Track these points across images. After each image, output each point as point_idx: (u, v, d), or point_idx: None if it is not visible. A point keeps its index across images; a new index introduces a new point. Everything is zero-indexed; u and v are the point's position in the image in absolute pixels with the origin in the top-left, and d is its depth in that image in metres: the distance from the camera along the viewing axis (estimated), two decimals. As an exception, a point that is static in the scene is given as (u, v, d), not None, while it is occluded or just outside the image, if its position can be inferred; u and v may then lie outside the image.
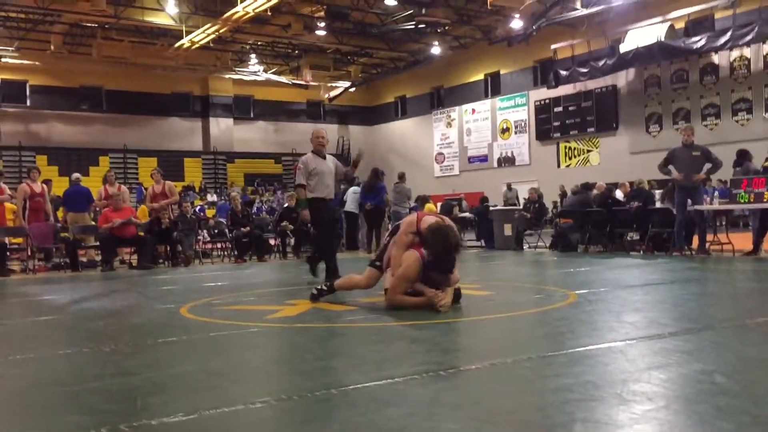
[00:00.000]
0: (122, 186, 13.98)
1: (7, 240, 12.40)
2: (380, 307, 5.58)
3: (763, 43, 22.36)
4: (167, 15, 26.23)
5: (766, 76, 22.75)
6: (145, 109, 33.06)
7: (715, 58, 23.90)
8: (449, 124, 34.95)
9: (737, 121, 23.31)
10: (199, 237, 14.62)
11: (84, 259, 12.94)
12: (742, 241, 11.07)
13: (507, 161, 31.80)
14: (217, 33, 26.30)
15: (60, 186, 17.86)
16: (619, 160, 25.86)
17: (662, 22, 24.01)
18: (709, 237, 10.91)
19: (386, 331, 4.78)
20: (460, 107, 34.13)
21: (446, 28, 29.40)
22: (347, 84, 36.59)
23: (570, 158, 29.18)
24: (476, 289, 6.85)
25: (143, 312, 6.12)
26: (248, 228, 13.60)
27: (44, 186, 12.83)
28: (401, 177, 15.39)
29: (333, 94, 37.29)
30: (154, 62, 30.50)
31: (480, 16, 28.04)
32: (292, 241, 14.41)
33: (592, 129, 28.03)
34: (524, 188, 23.62)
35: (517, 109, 31.39)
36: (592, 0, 24.22)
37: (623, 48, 24.79)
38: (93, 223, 13.08)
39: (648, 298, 5.94)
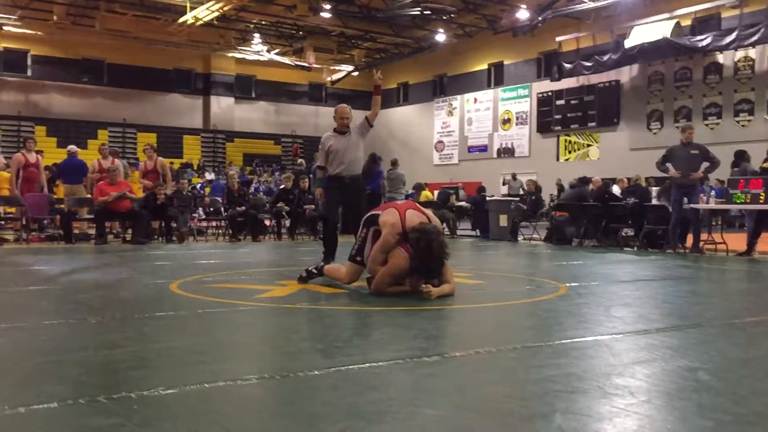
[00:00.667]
0: (116, 160, 13.88)
1: (1, 209, 12.37)
2: (369, 292, 5.56)
3: (769, 44, 22.28)
4: (171, -10, 26.07)
5: (769, 77, 22.69)
6: (145, 84, 32.90)
7: (720, 58, 23.82)
8: (450, 113, 34.84)
9: (738, 122, 23.27)
10: (194, 214, 14.59)
11: (77, 231, 12.92)
12: (737, 241, 11.07)
13: (506, 152, 31.74)
14: (221, 10, 26.11)
15: (58, 158, 17.81)
16: (619, 155, 25.82)
17: (669, 19, 23.91)
18: (704, 236, 10.92)
19: (373, 316, 4.77)
20: (462, 96, 34.01)
21: (451, 15, 29.23)
22: (350, 68, 36.42)
23: (570, 152, 29.13)
24: (467, 278, 6.85)
25: (133, 286, 6.10)
26: (244, 207, 13.57)
27: (38, 156, 12.78)
28: (394, 163, 15.35)
29: (336, 77, 37.12)
30: (157, 37, 30.31)
31: (486, 4, 27.88)
32: (288, 222, 14.40)
33: (593, 123, 27.96)
34: (523, 180, 23.63)
35: (519, 100, 31.29)
36: (599, -7, 24.11)
37: (628, 43, 24.69)
38: (88, 195, 13.04)
39: (638, 294, 5.94)
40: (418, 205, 5.98)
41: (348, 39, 33.74)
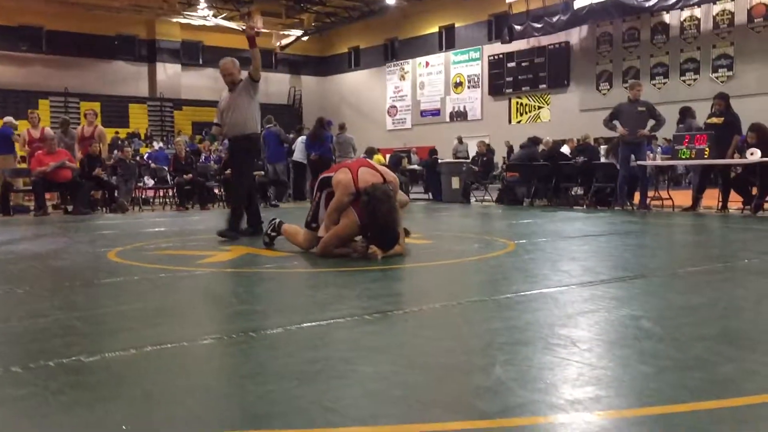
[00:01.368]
0: (46, 128, 13.22)
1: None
2: (314, 254, 5.44)
3: (713, 3, 22.56)
4: (110, -48, 25.08)
5: (714, 36, 23.03)
6: (87, 51, 31.77)
7: (666, 18, 24.07)
8: (402, 77, 34.59)
9: (684, 81, 23.62)
10: (140, 183, 14.20)
11: (13, 203, 12.47)
12: (683, 197, 11.25)
13: (459, 116, 31.72)
14: (163, -27, 25.27)
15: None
16: (570, 117, 26.03)
17: (616, -22, 24.00)
18: (651, 193, 11.06)
19: (317, 277, 4.66)
20: (414, 60, 33.78)
21: (401, -23, 28.85)
22: (299, 33, 35.78)
23: (521, 114, 29.26)
24: (417, 239, 6.77)
25: (69, 255, 5.86)
26: (191, 175, 13.24)
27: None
28: (342, 127, 15.13)
29: (285, 42, 36.44)
30: (98, 2, 29.23)
31: (435, -34, 27.57)
32: (237, 189, 14.11)
33: (544, 85, 28.09)
34: (470, 143, 23.68)
35: (470, 63, 31.20)
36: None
37: (577, 4, 24.76)
38: (22, 165, 12.56)
39: (585, 249, 5.95)
40: (371, 162, 5.83)
41: (296, 2, 33.06)
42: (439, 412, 1.98)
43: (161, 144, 29.73)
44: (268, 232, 6.09)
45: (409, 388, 2.20)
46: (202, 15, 32.77)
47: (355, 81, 37.23)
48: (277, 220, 6.11)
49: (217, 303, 3.88)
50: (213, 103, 36.20)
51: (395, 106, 34.96)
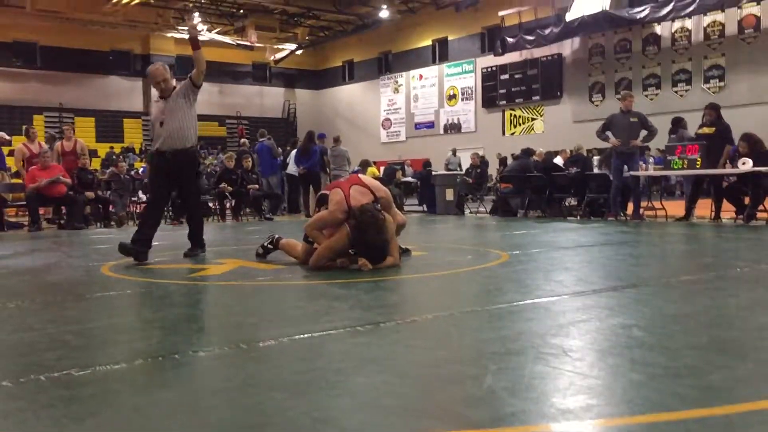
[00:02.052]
0: (42, 143, 13.24)
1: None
2: (308, 267, 5.44)
3: (704, 15, 22.73)
4: (104, -33, 25.17)
5: (705, 47, 23.19)
6: (82, 66, 31.80)
7: (658, 29, 24.24)
8: (396, 90, 34.71)
9: (676, 92, 23.76)
10: (134, 198, 14.18)
11: (12, 219, 12.44)
12: (676, 207, 11.28)
13: (453, 128, 31.82)
14: (157, -12, 25.36)
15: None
16: (563, 128, 26.13)
17: (607, -9, 24.19)
18: (644, 203, 11.10)
19: (310, 290, 4.65)
20: (408, 73, 33.91)
21: (394, -9, 29.02)
22: (294, 46, 35.90)
23: (515, 126, 29.36)
24: (412, 251, 6.77)
25: (62, 270, 5.84)
26: (185, 189, 13.21)
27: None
28: (337, 140, 15.17)
29: (279, 56, 36.56)
30: (92, 17, 29.30)
31: (428, -20, 27.75)
32: (232, 203, 14.12)
33: (537, 97, 28.21)
34: (461, 156, 23.76)
35: (464, 75, 31.33)
36: (539, -33, 24.21)
37: (569, 16, 24.92)
38: (15, 180, 12.53)
39: (578, 259, 5.96)
40: (362, 178, 5.85)
41: (290, 17, 33.21)
42: (430, 422, 1.98)
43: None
44: (265, 244, 6.11)
45: (401, 398, 2.20)
46: (197, 30, 32.83)
47: (349, 94, 37.34)
48: (276, 235, 6.15)
49: (209, 316, 3.88)
50: (208, 117, 36.12)
51: (389, 119, 35.06)
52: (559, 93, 27.45)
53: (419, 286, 4.80)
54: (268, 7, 30.89)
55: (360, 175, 6.28)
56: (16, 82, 30.55)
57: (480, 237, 9.18)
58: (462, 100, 31.47)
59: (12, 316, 3.74)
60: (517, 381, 2.34)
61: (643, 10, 23.04)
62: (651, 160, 14.94)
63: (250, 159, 14.50)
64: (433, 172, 15.99)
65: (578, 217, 11.57)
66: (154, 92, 6.49)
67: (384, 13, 31.01)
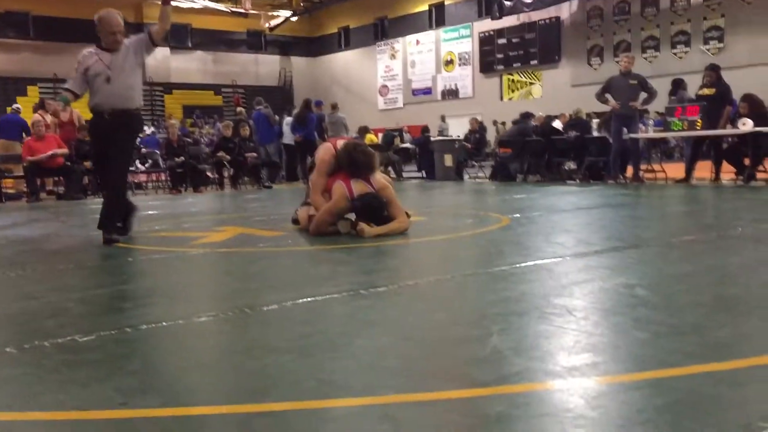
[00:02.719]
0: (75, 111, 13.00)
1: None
2: (308, 233, 5.42)
3: (704, -25, 22.45)
4: (94, -66, 24.70)
5: (704, 8, 22.92)
6: (75, 36, 31.24)
7: (657, -10, 23.95)
8: (393, 56, 34.36)
9: (675, 54, 23.54)
10: (132, 168, 14.09)
11: (12, 191, 12.40)
12: (675, 170, 11.24)
13: (451, 94, 31.58)
14: (148, -45, 24.92)
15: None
16: (561, 93, 25.93)
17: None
18: (643, 166, 11.06)
19: (311, 255, 4.65)
20: (404, 38, 33.53)
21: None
22: (288, 13, 35.44)
23: (513, 91, 29.15)
24: (412, 216, 6.74)
25: (61, 239, 5.83)
26: (183, 158, 13.16)
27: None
28: (334, 107, 15.05)
29: (274, 23, 36.10)
30: (83, -14, 28.85)
31: (424, -58, 27.29)
32: (230, 171, 14.06)
33: (535, 61, 27.95)
34: (467, 120, 23.60)
35: (461, 40, 31.00)
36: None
37: (567, -22, 24.58)
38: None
39: (578, 221, 5.95)
40: (347, 137, 5.92)
41: (285, -18, 32.75)
42: (435, 382, 1.98)
43: (152, 128, 29.56)
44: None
45: (405, 359, 2.19)
46: (190, -3, 32.44)
47: (345, 61, 36.98)
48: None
49: (211, 282, 3.87)
50: (203, 86, 35.59)
51: (386, 86, 34.77)
52: (557, 57, 27.20)
53: (420, 251, 4.79)
54: (261, -27, 30.45)
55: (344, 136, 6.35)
56: (9, 53, 30.21)
57: (480, 202, 9.16)
58: (459, 65, 31.18)
59: (13, 284, 3.74)
60: (522, 341, 2.34)
61: (642, -29, 22.73)
62: (651, 122, 14.86)
63: (247, 127, 14.40)
64: (432, 138, 15.90)
65: (578, 181, 11.53)
66: (95, 57, 5.37)
67: (379, -22, 30.57)
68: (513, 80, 29.10)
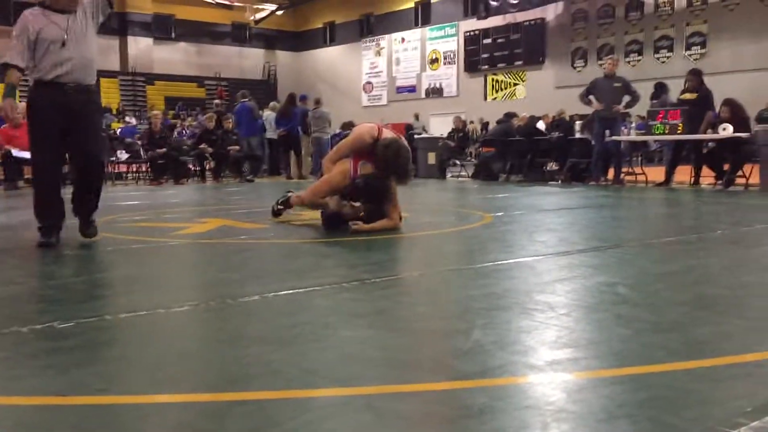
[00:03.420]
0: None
1: None
2: (292, 226, 5.41)
3: (688, -19, 22.66)
4: None
5: (688, 14, 23.14)
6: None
7: (641, -5, 24.15)
8: (378, 53, 34.33)
9: (658, 58, 23.75)
10: (112, 158, 13.97)
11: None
12: (656, 173, 11.35)
13: (435, 92, 31.62)
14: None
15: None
16: (545, 94, 26.04)
17: (592, -45, 23.96)
18: (625, 169, 11.14)
19: (295, 248, 4.62)
20: (390, 36, 33.50)
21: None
22: (274, 7, 35.29)
23: (497, 91, 29.24)
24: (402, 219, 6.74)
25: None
26: (164, 149, 13.05)
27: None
28: (318, 102, 15.02)
29: (259, 16, 35.93)
30: (65, -27, 28.47)
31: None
32: (212, 164, 13.97)
33: (520, 62, 28.06)
34: (451, 119, 23.63)
35: (446, 39, 31.04)
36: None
37: (553, -20, 24.70)
38: None
39: (561, 220, 5.98)
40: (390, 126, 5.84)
41: (271, -24, 32.59)
42: (418, 374, 1.98)
43: (133, 120, 29.29)
44: (279, 201, 5.83)
45: (388, 350, 2.19)
46: (175, -13, 32.18)
47: (330, 57, 36.88)
48: (290, 193, 5.83)
49: (192, 272, 3.85)
50: (187, 78, 35.30)
51: (371, 83, 34.74)
52: (541, 58, 27.33)
53: (405, 246, 4.79)
54: (248, -34, 30.28)
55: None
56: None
57: (463, 199, 9.18)
58: (444, 64, 31.22)
59: (-9, 271, 3.68)
60: (505, 335, 2.35)
61: (628, -25, 22.90)
62: (633, 125, 14.98)
63: (230, 120, 14.32)
64: (416, 136, 15.90)
65: (560, 182, 11.60)
66: (43, 19, 4.44)
67: (366, -26, 30.53)
68: (497, 80, 29.19)
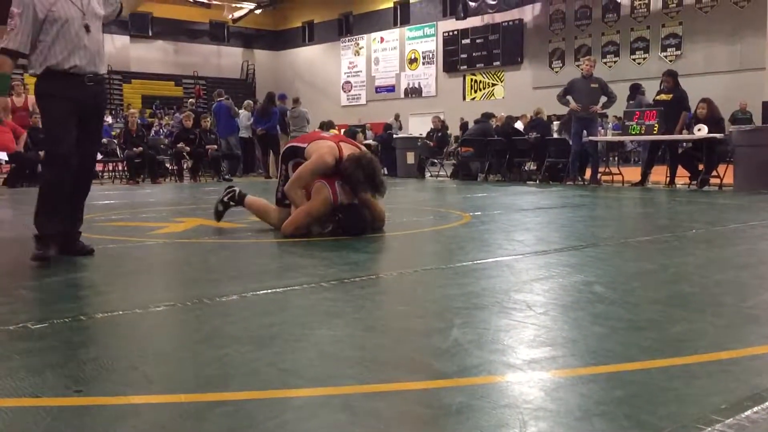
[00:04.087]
0: (29, 96, 12.59)
1: None
2: (270, 226, 5.37)
3: (663, -18, 22.91)
4: None
5: (663, 16, 23.40)
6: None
7: (618, -4, 24.38)
8: (357, 53, 34.30)
9: (634, 60, 23.98)
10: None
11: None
12: (632, 173, 11.47)
13: (414, 92, 31.66)
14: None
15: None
16: (523, 94, 26.19)
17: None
18: (601, 169, 11.25)
19: (272, 247, 4.61)
20: (369, 35, 33.48)
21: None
22: (252, 5, 35.09)
23: (475, 91, 29.35)
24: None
25: (14, 227, 5.68)
26: (141, 148, 12.93)
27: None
28: (296, 101, 14.99)
29: (237, 14, 35.71)
30: (40, -31, 28.10)
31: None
32: (189, 163, 13.87)
33: (498, 63, 28.20)
34: (430, 119, 23.66)
35: (425, 39, 31.09)
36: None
37: (531, -19, 24.85)
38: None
39: (538, 220, 6.02)
40: (349, 138, 5.63)
41: (249, -26, 32.41)
42: (396, 373, 1.98)
43: (109, 118, 28.95)
44: (224, 199, 5.44)
45: (367, 350, 2.19)
46: (152, -15, 31.87)
47: (309, 56, 36.77)
48: (238, 189, 5.45)
49: (169, 272, 3.81)
50: (164, 77, 34.96)
51: (350, 82, 34.69)
52: (519, 59, 27.48)
53: (383, 245, 4.78)
54: (226, -36, 30.09)
55: (345, 137, 5.94)
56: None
57: (441, 199, 9.21)
58: (423, 64, 31.27)
59: (-37, 271, 3.62)
60: (483, 334, 2.36)
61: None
62: (609, 125, 15.12)
63: (208, 119, 14.23)
64: (394, 136, 15.92)
65: (537, 181, 11.68)
66: None
67: (345, -27, 30.48)
68: (476, 80, 29.30)
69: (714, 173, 9.74)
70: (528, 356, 2.10)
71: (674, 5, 23.10)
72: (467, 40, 29.16)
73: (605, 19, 24.81)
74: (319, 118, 18.70)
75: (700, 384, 1.87)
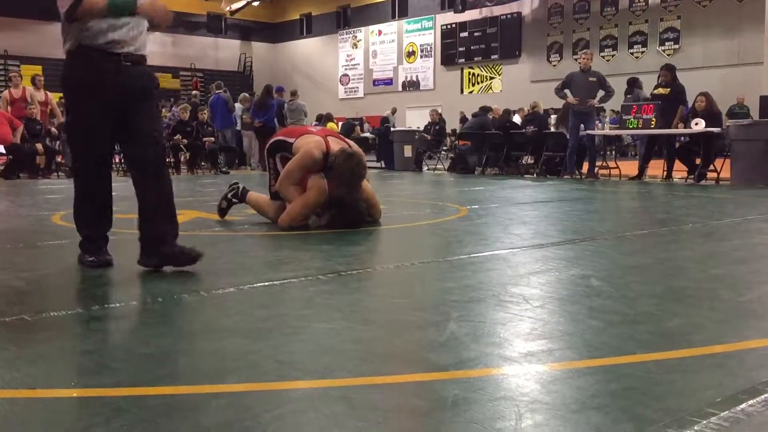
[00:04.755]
0: (26, 88, 12.51)
1: None
2: (278, 227, 5.36)
3: (662, -24, 22.87)
4: None
5: (661, 10, 23.37)
6: (26, 12, 30.40)
7: (616, -10, 24.34)
8: (355, 45, 34.22)
9: (632, 54, 23.96)
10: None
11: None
12: (630, 167, 11.47)
13: (411, 85, 31.60)
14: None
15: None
16: (521, 88, 26.17)
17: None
18: (599, 163, 11.25)
19: (269, 240, 4.60)
20: (367, 28, 33.40)
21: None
22: (250, -3, 35.00)
23: (473, 84, 29.32)
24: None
25: (11, 218, 5.67)
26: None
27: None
28: (294, 94, 14.97)
29: (235, 6, 35.57)
30: (37, -40, 27.98)
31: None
32: (187, 156, 13.83)
33: (496, 56, 28.15)
34: (428, 112, 23.62)
35: (423, 32, 31.03)
36: None
37: (530, -26, 24.78)
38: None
39: (536, 214, 6.02)
40: (336, 133, 5.62)
41: (247, -34, 32.28)
42: (393, 366, 1.99)
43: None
44: (228, 196, 5.48)
45: (364, 343, 2.19)
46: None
47: (307, 48, 36.68)
48: (240, 186, 5.46)
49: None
50: (161, 69, 34.83)
51: (347, 75, 34.62)
52: (517, 52, 27.43)
53: (380, 238, 4.79)
54: (223, -45, 29.96)
55: (332, 131, 5.93)
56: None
57: (438, 192, 9.21)
58: (421, 57, 31.21)
59: (-41, 263, 3.62)
60: (479, 327, 2.36)
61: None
62: (607, 119, 15.10)
63: (206, 111, 14.20)
64: (391, 128, 15.91)
65: (535, 175, 11.68)
66: None
67: (343, -34, 30.38)
68: (474, 74, 29.26)
69: (711, 167, 9.75)
70: (524, 349, 2.10)
71: (672, -1, 23.09)
72: (465, 34, 29.10)
73: (603, 13, 24.77)
74: (316, 110, 18.68)
75: (696, 377, 1.88)
